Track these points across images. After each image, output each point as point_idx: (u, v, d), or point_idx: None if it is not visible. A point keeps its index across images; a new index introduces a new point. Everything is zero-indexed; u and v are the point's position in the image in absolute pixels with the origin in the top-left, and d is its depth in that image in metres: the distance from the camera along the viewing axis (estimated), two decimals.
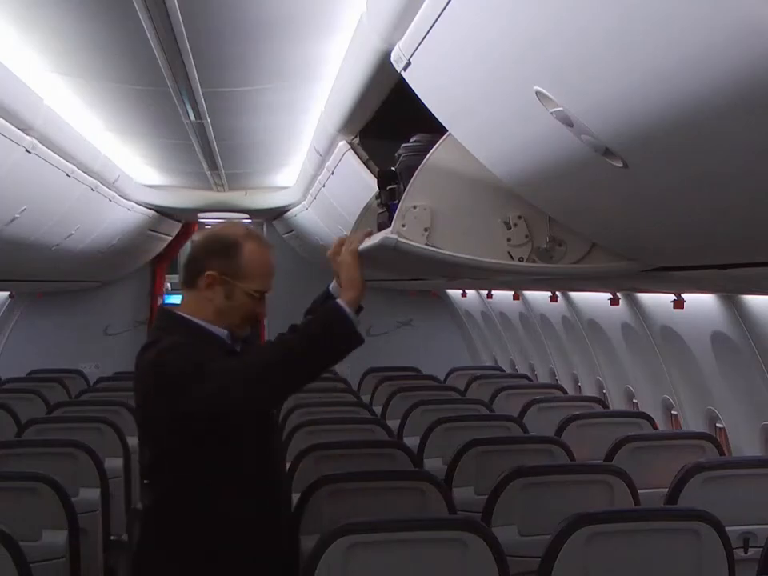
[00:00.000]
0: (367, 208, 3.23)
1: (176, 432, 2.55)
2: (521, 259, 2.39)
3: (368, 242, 2.68)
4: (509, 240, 2.39)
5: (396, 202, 2.55)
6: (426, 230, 2.36)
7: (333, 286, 2.94)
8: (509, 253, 2.39)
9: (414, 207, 2.37)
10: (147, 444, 2.71)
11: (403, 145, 2.64)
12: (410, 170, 2.46)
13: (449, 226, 2.38)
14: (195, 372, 2.46)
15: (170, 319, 2.70)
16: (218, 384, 2.46)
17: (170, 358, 2.53)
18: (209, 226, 9.86)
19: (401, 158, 2.63)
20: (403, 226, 2.36)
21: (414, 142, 2.59)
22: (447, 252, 2.36)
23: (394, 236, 2.35)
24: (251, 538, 2.59)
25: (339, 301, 2.58)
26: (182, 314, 2.67)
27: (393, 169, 2.74)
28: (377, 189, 2.96)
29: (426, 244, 2.36)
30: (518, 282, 5.02)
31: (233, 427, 2.58)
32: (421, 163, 2.41)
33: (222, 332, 2.67)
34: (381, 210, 2.86)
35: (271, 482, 2.72)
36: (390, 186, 2.75)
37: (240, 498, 2.60)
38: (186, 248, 10.03)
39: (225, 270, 2.62)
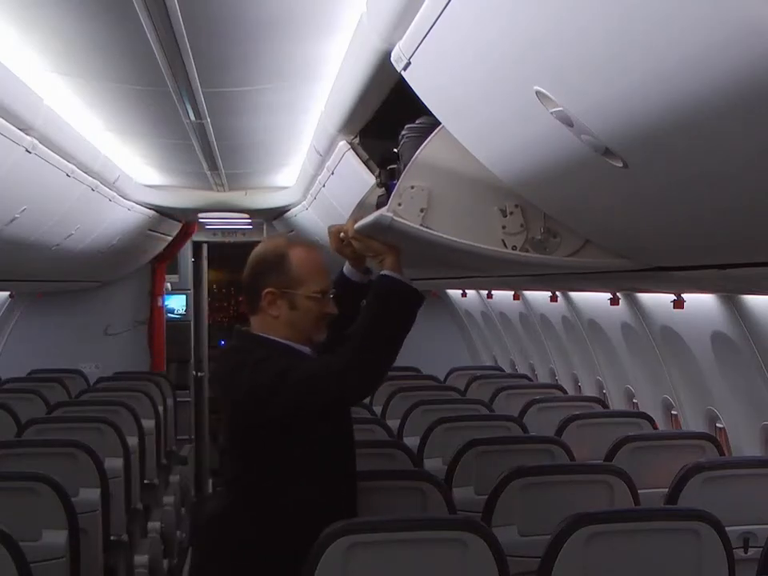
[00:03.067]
0: (360, 205, 3.21)
1: (269, 434, 2.63)
2: (514, 248, 2.38)
3: (363, 221, 2.66)
4: (504, 228, 2.37)
5: (395, 181, 2.53)
6: (422, 210, 2.34)
7: (347, 268, 2.99)
8: (503, 241, 2.38)
9: (412, 187, 2.34)
10: (235, 451, 2.77)
11: (407, 125, 2.62)
12: (411, 150, 2.44)
13: (445, 208, 2.36)
14: (282, 375, 2.54)
15: (251, 339, 2.73)
16: (307, 380, 2.54)
17: (261, 368, 2.58)
18: (208, 227, 9.90)
19: (403, 138, 2.60)
20: (399, 204, 2.34)
21: (419, 123, 2.58)
22: (440, 234, 2.34)
23: (390, 214, 2.33)
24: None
25: (384, 271, 2.64)
26: (262, 334, 2.71)
27: (395, 150, 2.73)
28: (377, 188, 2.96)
29: (421, 225, 2.34)
30: (517, 282, 5.02)
31: (317, 427, 2.67)
32: (422, 144, 2.39)
33: (305, 349, 2.73)
34: (380, 193, 2.85)
35: (349, 477, 2.84)
36: (390, 166, 2.74)
37: (317, 491, 2.70)
38: (187, 248, 10.03)
39: (280, 283, 2.67)
